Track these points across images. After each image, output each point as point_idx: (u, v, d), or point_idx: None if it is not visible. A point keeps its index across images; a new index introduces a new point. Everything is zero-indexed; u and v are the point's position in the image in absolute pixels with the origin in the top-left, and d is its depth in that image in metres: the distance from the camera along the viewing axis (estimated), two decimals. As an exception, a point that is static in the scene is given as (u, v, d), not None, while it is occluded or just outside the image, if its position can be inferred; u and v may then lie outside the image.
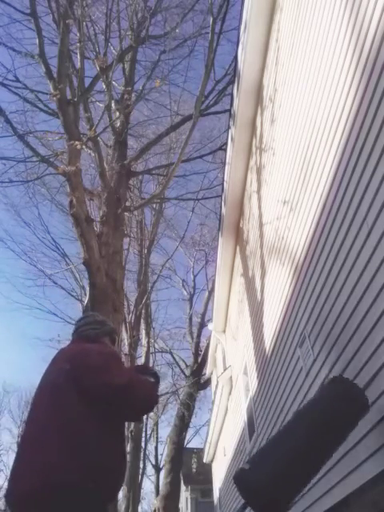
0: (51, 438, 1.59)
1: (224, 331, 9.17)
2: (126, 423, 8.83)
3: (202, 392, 15.87)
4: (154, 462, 22.78)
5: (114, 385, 1.70)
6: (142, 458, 16.67)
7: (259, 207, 5.15)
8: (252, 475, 1.89)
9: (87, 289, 5.41)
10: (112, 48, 8.50)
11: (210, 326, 9.76)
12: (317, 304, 2.99)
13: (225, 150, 6.47)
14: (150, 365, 14.09)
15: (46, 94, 6.87)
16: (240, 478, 1.92)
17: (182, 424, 14.01)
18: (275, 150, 4.31)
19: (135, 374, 1.90)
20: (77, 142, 5.44)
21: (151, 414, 16.79)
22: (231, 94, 5.70)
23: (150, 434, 22.60)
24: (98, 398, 1.69)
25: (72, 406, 1.67)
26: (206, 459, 12.07)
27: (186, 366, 15.98)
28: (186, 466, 17.14)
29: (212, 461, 11.78)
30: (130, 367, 1.99)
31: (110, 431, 1.71)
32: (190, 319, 16.91)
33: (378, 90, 2.07)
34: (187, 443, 18.66)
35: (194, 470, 17.83)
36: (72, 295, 14.23)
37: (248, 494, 1.89)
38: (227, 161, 6.09)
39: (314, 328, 3.04)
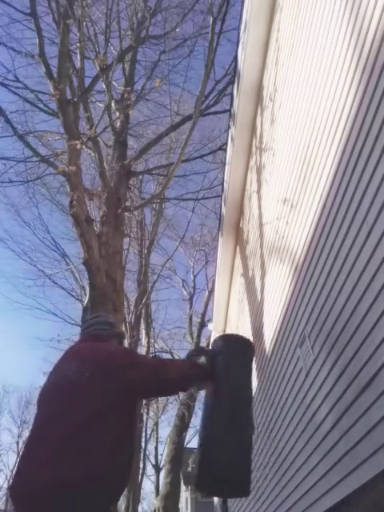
0: (61, 436, 1.59)
1: (224, 331, 9.16)
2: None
3: (202, 392, 15.87)
4: (154, 462, 22.76)
5: (144, 374, 1.81)
6: (142, 458, 16.66)
7: (259, 207, 5.15)
8: (205, 474, 1.92)
9: (87, 289, 5.41)
10: (112, 48, 8.51)
11: (210, 326, 9.76)
12: (317, 304, 2.99)
13: (225, 150, 6.47)
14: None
15: (46, 94, 6.88)
16: (199, 485, 1.94)
17: (182, 424, 14.01)
18: (275, 150, 4.31)
19: (158, 358, 2.02)
20: (77, 142, 5.45)
21: (151, 413, 16.80)
22: (231, 94, 5.70)
23: (150, 434, 22.59)
24: (138, 391, 1.82)
25: (90, 405, 1.66)
26: (205, 459, 12.05)
27: (186, 365, 15.94)
28: (186, 465, 17.15)
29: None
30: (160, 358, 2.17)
31: (121, 433, 1.71)
32: (190, 319, 16.92)
33: (378, 90, 2.07)
34: (187, 443, 18.70)
35: (190, 470, 17.85)
36: (72, 295, 14.24)
37: (216, 490, 1.93)
38: (227, 161, 6.09)
39: (314, 328, 3.04)
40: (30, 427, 1.83)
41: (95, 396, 1.68)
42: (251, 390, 2.15)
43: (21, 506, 1.57)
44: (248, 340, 2.29)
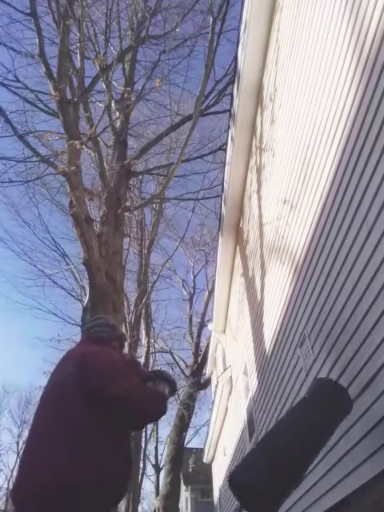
0: (60, 437, 1.60)
1: (224, 331, 9.17)
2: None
3: (201, 392, 15.87)
4: (154, 462, 22.78)
5: (111, 394, 1.70)
6: (142, 458, 16.66)
7: (259, 207, 5.15)
8: (243, 476, 1.89)
9: (87, 289, 5.41)
10: (112, 48, 8.50)
11: (210, 326, 9.76)
12: (317, 304, 2.99)
13: (225, 150, 6.47)
14: (150, 366, 14.10)
15: (46, 94, 6.88)
16: (233, 480, 1.92)
17: (182, 424, 14.01)
18: (275, 150, 4.31)
19: (138, 383, 1.86)
20: (76, 142, 5.44)
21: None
22: (231, 94, 5.70)
23: (150, 434, 22.60)
24: (98, 402, 1.69)
25: (79, 407, 1.67)
26: (205, 459, 12.07)
27: (186, 365, 15.97)
28: (186, 465, 17.15)
29: (212, 461, 11.78)
30: (137, 374, 1.96)
31: (116, 434, 1.70)
32: (190, 319, 16.92)
33: (378, 90, 2.07)
34: (187, 443, 18.69)
35: (191, 470, 17.85)
36: (72, 295, 14.25)
37: (241, 494, 1.91)
38: (227, 161, 6.09)
39: (314, 328, 3.04)
40: (29, 428, 1.82)
41: (80, 398, 1.69)
42: (327, 441, 2.14)
43: (21, 508, 1.57)
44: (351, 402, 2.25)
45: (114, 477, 1.62)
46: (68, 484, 1.49)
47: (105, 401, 1.70)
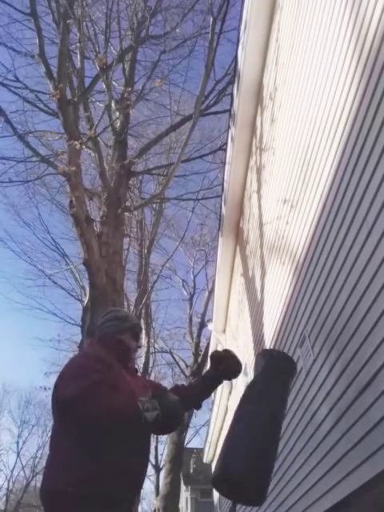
0: (66, 438, 1.67)
1: (224, 331, 9.16)
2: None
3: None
4: (153, 462, 22.76)
5: (61, 398, 1.58)
6: (142, 458, 16.61)
7: (259, 207, 5.15)
8: (226, 474, 1.91)
9: (87, 289, 5.42)
10: (112, 48, 8.51)
11: (210, 326, 9.75)
12: (317, 304, 2.99)
13: (225, 150, 6.47)
14: (151, 366, 14.10)
15: (46, 94, 6.88)
16: (217, 481, 1.94)
17: (182, 424, 14.01)
18: (275, 149, 4.31)
19: (98, 387, 1.56)
20: (76, 142, 5.45)
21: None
22: (231, 94, 5.70)
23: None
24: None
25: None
26: (205, 459, 12.06)
27: (186, 365, 15.98)
28: (186, 465, 17.15)
29: (212, 461, 11.78)
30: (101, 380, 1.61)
31: (126, 433, 1.65)
32: (190, 319, 16.92)
33: (378, 89, 2.07)
34: (187, 443, 18.67)
35: (191, 470, 17.85)
36: (72, 295, 14.26)
37: (227, 491, 1.94)
38: (227, 161, 6.09)
39: (314, 328, 3.04)
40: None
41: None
42: (286, 407, 2.17)
43: (43, 505, 1.70)
44: (291, 358, 2.31)
45: (123, 476, 1.61)
46: (70, 483, 1.53)
47: (57, 407, 1.65)
